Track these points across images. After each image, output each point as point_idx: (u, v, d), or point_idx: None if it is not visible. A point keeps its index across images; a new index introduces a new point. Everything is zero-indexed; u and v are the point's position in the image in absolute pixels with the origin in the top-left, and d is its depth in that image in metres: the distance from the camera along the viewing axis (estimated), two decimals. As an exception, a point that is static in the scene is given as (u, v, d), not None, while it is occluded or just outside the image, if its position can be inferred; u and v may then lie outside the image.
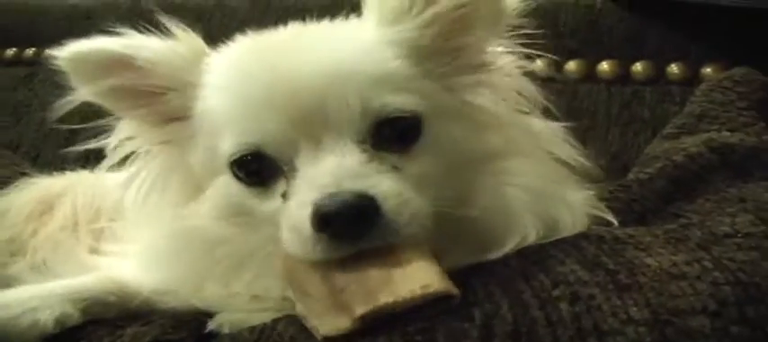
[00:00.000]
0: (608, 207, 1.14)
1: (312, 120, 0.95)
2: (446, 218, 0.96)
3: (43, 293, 1.03)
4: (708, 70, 1.64)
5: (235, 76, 1.04)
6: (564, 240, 1.02)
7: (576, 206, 1.09)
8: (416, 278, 0.88)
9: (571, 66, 1.74)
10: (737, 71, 1.45)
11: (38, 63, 2.28)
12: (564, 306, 0.86)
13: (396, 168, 0.96)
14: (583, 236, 1.04)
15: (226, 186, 1.02)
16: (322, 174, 0.92)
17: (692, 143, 1.25)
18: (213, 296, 1.04)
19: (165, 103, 1.06)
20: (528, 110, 1.10)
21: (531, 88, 1.10)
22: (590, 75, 1.73)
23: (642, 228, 1.07)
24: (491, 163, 1.05)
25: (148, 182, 1.10)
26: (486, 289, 0.90)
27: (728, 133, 1.26)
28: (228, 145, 0.98)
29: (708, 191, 1.16)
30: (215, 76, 1.05)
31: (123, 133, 1.10)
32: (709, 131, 1.28)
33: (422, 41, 1.01)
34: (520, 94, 1.09)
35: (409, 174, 0.96)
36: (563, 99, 1.70)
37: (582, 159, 1.13)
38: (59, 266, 1.22)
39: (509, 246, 1.01)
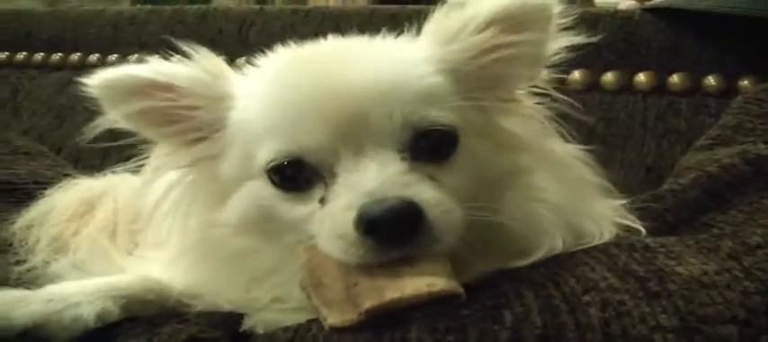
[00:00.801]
0: (641, 217, 1.15)
1: (354, 129, 0.97)
2: (476, 227, 0.98)
3: (85, 290, 1.05)
4: (744, 82, 1.64)
5: (276, 86, 1.06)
6: (595, 248, 1.04)
7: (601, 216, 1.11)
8: (424, 276, 0.90)
9: (608, 77, 1.74)
10: (775, 84, 1.45)
11: (82, 68, 2.33)
12: (593, 311, 0.87)
13: (433, 179, 0.98)
14: (614, 244, 1.05)
15: (257, 191, 1.04)
16: (366, 180, 0.95)
17: (726, 154, 1.25)
18: (238, 299, 1.07)
19: (193, 121, 1.08)
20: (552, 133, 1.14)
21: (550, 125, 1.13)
22: (626, 86, 1.74)
23: (673, 237, 1.07)
24: (517, 179, 1.08)
25: (178, 200, 1.13)
26: (518, 292, 0.92)
27: (764, 145, 1.25)
28: (267, 152, 1.00)
29: (741, 202, 1.16)
30: (254, 87, 1.07)
31: (159, 152, 1.14)
32: (744, 143, 1.28)
33: (464, 65, 1.05)
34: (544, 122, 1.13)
35: (446, 184, 0.99)
36: (600, 110, 1.71)
37: (599, 178, 1.17)
38: (97, 266, 1.24)
39: (537, 255, 1.03)
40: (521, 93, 1.12)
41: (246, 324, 1.01)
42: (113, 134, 2.03)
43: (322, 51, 1.11)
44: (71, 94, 2.26)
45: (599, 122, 1.67)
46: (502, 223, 1.03)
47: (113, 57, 2.29)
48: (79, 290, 1.06)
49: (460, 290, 0.91)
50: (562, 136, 1.15)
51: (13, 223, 1.41)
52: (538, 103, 1.13)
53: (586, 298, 0.89)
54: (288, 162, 1.00)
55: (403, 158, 0.98)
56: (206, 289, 1.09)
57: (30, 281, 1.19)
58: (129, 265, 1.25)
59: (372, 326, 0.89)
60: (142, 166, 1.18)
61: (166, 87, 1.07)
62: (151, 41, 2.22)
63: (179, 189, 1.13)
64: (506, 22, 1.05)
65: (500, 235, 1.03)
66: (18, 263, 1.30)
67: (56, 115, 2.23)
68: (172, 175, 1.14)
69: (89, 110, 2.17)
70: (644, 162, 1.63)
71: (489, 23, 1.05)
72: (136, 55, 2.25)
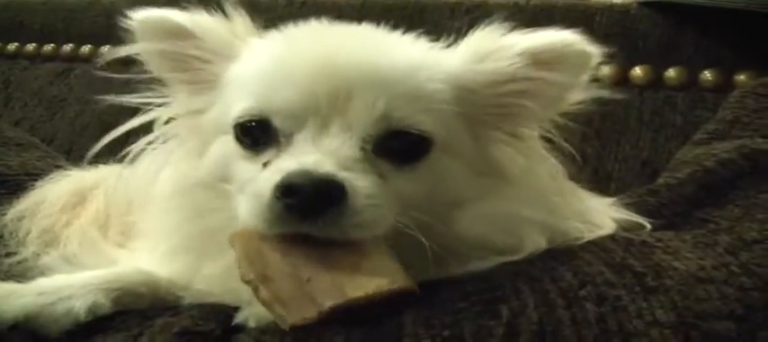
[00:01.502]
0: (636, 212, 1.14)
1: (329, 105, 0.97)
2: (433, 235, 0.96)
3: (77, 283, 1.05)
4: (741, 77, 1.63)
5: (270, 50, 1.08)
6: (592, 243, 1.03)
7: (587, 213, 1.10)
8: (381, 274, 0.90)
9: (604, 70, 1.73)
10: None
11: (74, 59, 2.32)
12: (590, 306, 0.86)
13: (382, 176, 0.98)
14: (611, 238, 1.04)
15: (224, 145, 1.07)
16: (307, 153, 0.95)
17: (723, 149, 1.25)
18: (219, 286, 1.06)
19: (200, 73, 1.13)
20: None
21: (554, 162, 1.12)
22: (622, 79, 1.73)
23: (670, 232, 1.07)
24: (480, 202, 1.05)
25: (164, 152, 1.17)
26: (514, 286, 0.91)
27: (761, 140, 1.25)
28: (239, 107, 1.03)
29: (738, 197, 1.15)
30: (256, 47, 1.10)
31: (162, 100, 1.18)
32: (741, 138, 1.28)
33: (484, 87, 1.05)
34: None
35: (392, 187, 0.98)
36: (596, 104, 1.70)
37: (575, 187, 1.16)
38: (88, 259, 1.23)
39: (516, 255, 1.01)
40: (526, 131, 1.10)
41: (239, 318, 1.00)
42: (104, 125, 2.03)
43: (330, 30, 1.12)
44: (63, 85, 2.26)
45: (594, 116, 1.66)
46: (458, 233, 1.02)
47: (106, 48, 2.27)
48: (70, 283, 1.05)
49: (416, 287, 0.90)
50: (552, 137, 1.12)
51: (3, 215, 1.39)
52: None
53: (583, 292, 0.88)
54: (255, 122, 1.01)
55: (362, 148, 0.98)
56: (186, 272, 1.09)
57: (20, 273, 1.18)
58: (120, 256, 1.24)
59: (332, 324, 0.87)
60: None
61: (190, 35, 1.12)
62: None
63: (170, 142, 1.17)
64: (543, 56, 1.04)
65: (459, 243, 1.02)
66: (8, 255, 1.28)
67: (47, 106, 2.22)
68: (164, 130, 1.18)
69: (81, 101, 2.17)
70: (639, 156, 1.63)
71: (526, 54, 1.04)
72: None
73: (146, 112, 1.19)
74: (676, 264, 0.93)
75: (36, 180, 1.50)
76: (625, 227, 1.11)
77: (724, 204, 1.14)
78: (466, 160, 1.05)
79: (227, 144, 1.06)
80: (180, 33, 1.12)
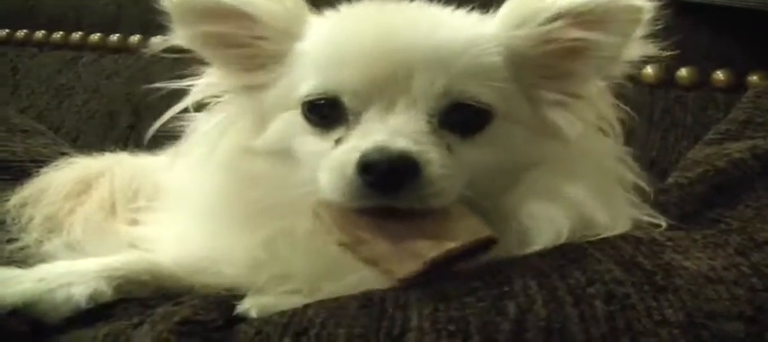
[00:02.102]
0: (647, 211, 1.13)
1: (393, 84, 1.01)
2: (480, 209, 1.00)
3: (78, 270, 1.04)
4: (753, 78, 1.62)
5: (337, 28, 1.10)
6: (602, 240, 1.02)
7: (615, 208, 1.09)
8: (469, 227, 0.96)
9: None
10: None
11: (83, 47, 2.32)
12: (598, 304, 0.85)
13: (449, 148, 1.01)
14: (621, 236, 1.03)
15: (289, 120, 1.08)
16: (380, 130, 0.99)
17: (735, 149, 1.23)
18: (241, 269, 1.06)
19: (257, 49, 1.11)
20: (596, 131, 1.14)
21: (612, 114, 1.14)
22: (633, 78, 1.71)
23: (681, 231, 1.06)
24: (538, 169, 1.08)
25: (220, 125, 1.15)
26: (523, 283, 0.90)
27: (774, 140, 1.24)
28: (308, 85, 1.05)
29: (749, 198, 1.14)
30: (318, 26, 1.11)
31: (208, 79, 1.16)
32: (754, 138, 1.27)
33: (528, 51, 1.07)
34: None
35: (459, 157, 1.02)
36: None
37: (634, 177, 1.14)
38: (93, 246, 1.22)
39: (541, 243, 1.02)
40: (591, 92, 1.11)
41: (241, 307, 1.00)
42: (111, 116, 2.03)
43: (390, 8, 1.12)
44: (71, 73, 2.26)
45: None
46: (505, 212, 1.04)
47: (115, 36, 2.28)
48: (72, 270, 1.04)
49: (497, 235, 0.97)
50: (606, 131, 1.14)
51: (6, 201, 1.39)
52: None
53: (591, 290, 0.87)
54: (324, 99, 1.04)
55: (429, 122, 1.01)
56: (215, 248, 1.09)
57: (22, 260, 1.18)
58: (133, 234, 1.23)
59: (433, 275, 0.92)
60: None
61: (242, 15, 1.10)
62: (154, 22, 2.20)
63: (223, 118, 1.15)
64: (582, 17, 1.04)
65: (504, 222, 1.03)
66: (10, 241, 1.28)
67: (55, 94, 2.22)
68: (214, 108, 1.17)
69: (89, 89, 2.17)
70: (648, 155, 1.61)
71: (561, 15, 1.05)
72: (138, 35, 2.23)
73: (190, 93, 1.17)
74: (686, 263, 0.92)
75: (41, 167, 1.49)
76: (636, 225, 1.09)
77: (735, 205, 1.13)
78: (525, 125, 1.08)
79: (292, 119, 1.08)
80: (224, 13, 1.10)
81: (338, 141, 1.02)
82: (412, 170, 0.95)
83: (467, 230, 0.96)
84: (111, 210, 1.34)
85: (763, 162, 1.18)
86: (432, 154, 0.97)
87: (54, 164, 1.50)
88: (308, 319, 0.89)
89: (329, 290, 0.99)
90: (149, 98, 2.07)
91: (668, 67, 1.69)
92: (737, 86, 1.62)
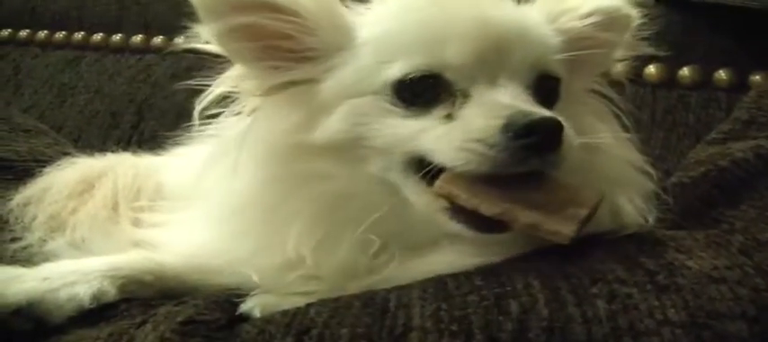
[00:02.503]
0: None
1: (495, 57, 1.03)
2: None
3: (82, 269, 1.04)
4: (756, 78, 1.62)
5: (421, 6, 1.10)
6: (605, 239, 1.02)
7: (637, 202, 1.12)
8: (582, 190, 0.99)
9: (617, 67, 1.71)
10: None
11: (86, 47, 2.32)
12: (601, 304, 0.85)
13: None
14: (624, 236, 1.03)
15: (361, 108, 1.05)
16: (506, 98, 1.01)
17: (738, 149, 1.23)
18: (266, 266, 1.05)
19: (304, 43, 1.07)
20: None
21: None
22: (636, 77, 1.71)
23: (683, 231, 1.06)
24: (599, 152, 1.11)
25: (259, 126, 1.09)
26: (525, 282, 0.90)
27: (777, 140, 1.23)
28: (403, 65, 1.03)
29: (752, 197, 1.14)
30: (390, 9, 1.11)
31: (236, 73, 1.11)
32: (756, 138, 1.26)
33: (561, 43, 1.12)
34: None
35: None
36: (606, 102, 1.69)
37: (646, 166, 1.18)
38: (97, 244, 1.22)
39: (632, 226, 1.07)
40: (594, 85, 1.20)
41: (244, 307, 1.00)
42: (114, 116, 2.02)
43: None
44: (73, 73, 2.26)
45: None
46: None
47: (117, 36, 2.28)
48: (75, 269, 1.04)
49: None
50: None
51: (10, 200, 1.39)
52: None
53: (594, 290, 0.87)
54: (422, 76, 1.02)
55: (528, 94, 1.04)
56: (239, 249, 1.07)
57: (25, 259, 1.18)
58: (139, 235, 1.22)
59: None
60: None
61: (281, 9, 1.06)
62: (156, 22, 2.21)
63: (250, 115, 1.10)
64: (602, 19, 1.15)
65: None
66: (13, 240, 1.28)
67: (57, 94, 2.22)
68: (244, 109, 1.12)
69: (91, 89, 2.17)
70: (650, 155, 1.61)
71: (592, 14, 1.14)
72: (140, 35, 2.24)
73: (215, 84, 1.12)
74: (689, 263, 0.92)
75: (44, 167, 1.49)
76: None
77: (738, 204, 1.13)
78: (574, 100, 1.14)
79: (366, 105, 1.04)
80: (264, 6, 1.05)
81: (448, 117, 1.01)
82: (560, 132, 0.96)
83: (583, 193, 0.99)
84: (114, 209, 1.34)
85: (766, 161, 1.18)
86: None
87: (57, 163, 1.50)
88: (311, 318, 0.89)
89: (353, 289, 0.98)
90: (152, 99, 2.08)
91: (670, 67, 1.69)
92: (740, 86, 1.62)
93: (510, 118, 0.96)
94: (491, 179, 0.97)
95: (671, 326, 0.82)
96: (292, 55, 1.08)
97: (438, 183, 0.99)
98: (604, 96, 1.21)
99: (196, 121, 1.14)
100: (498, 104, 0.99)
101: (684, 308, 0.84)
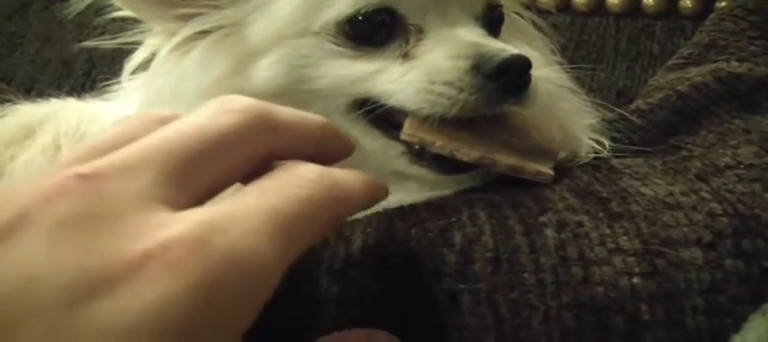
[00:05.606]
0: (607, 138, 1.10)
1: None
2: None
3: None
4: (722, 4, 1.58)
5: None
6: (558, 168, 0.98)
7: (590, 130, 1.11)
8: (548, 124, 0.99)
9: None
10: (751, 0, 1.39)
11: (35, -7, 2.26)
12: (550, 233, 0.81)
13: None
14: (579, 165, 1.00)
15: (302, 49, 0.99)
16: (468, 35, 0.96)
17: (697, 73, 1.19)
18: None
19: None
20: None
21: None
22: (598, 7, 1.68)
23: (640, 158, 1.02)
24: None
25: (180, 77, 1.03)
26: (471, 213, 0.85)
27: (737, 63, 1.20)
28: (354, 2, 0.96)
29: (712, 122, 1.10)
30: None
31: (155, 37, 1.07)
32: (716, 62, 1.23)
33: None
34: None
35: None
36: (570, 31, 1.66)
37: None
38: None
39: (586, 155, 1.05)
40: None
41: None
42: (65, 64, 1.96)
43: None
44: (21, 20, 2.20)
45: (569, 44, 1.62)
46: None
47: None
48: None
49: None
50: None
51: (-53, 149, 1.34)
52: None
53: (543, 218, 0.83)
54: (375, 11, 0.97)
55: (480, 25, 1.01)
56: None
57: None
58: None
59: None
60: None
61: None
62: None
63: (185, 67, 1.04)
64: None
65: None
66: (-48, 188, 1.23)
67: (6, 43, 2.16)
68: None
69: (41, 37, 2.10)
70: (615, 86, 1.59)
71: None
72: (90, -20, 2.17)
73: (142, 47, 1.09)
74: (644, 190, 0.88)
75: (-15, 114, 1.44)
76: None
77: (697, 130, 1.09)
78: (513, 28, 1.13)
79: (309, 46, 0.99)
80: None
81: (405, 56, 0.97)
82: (529, 69, 0.94)
83: (545, 126, 0.98)
84: (55, 155, 1.29)
85: (726, 85, 1.14)
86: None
87: (-2, 111, 1.45)
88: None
89: None
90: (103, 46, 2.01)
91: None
92: (706, 13, 1.58)
93: (478, 58, 0.92)
94: (457, 122, 0.93)
95: (623, 254, 0.78)
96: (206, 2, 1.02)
97: (406, 129, 0.95)
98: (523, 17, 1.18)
99: (126, 78, 1.12)
100: (460, 42, 0.95)
101: (637, 235, 0.80)
